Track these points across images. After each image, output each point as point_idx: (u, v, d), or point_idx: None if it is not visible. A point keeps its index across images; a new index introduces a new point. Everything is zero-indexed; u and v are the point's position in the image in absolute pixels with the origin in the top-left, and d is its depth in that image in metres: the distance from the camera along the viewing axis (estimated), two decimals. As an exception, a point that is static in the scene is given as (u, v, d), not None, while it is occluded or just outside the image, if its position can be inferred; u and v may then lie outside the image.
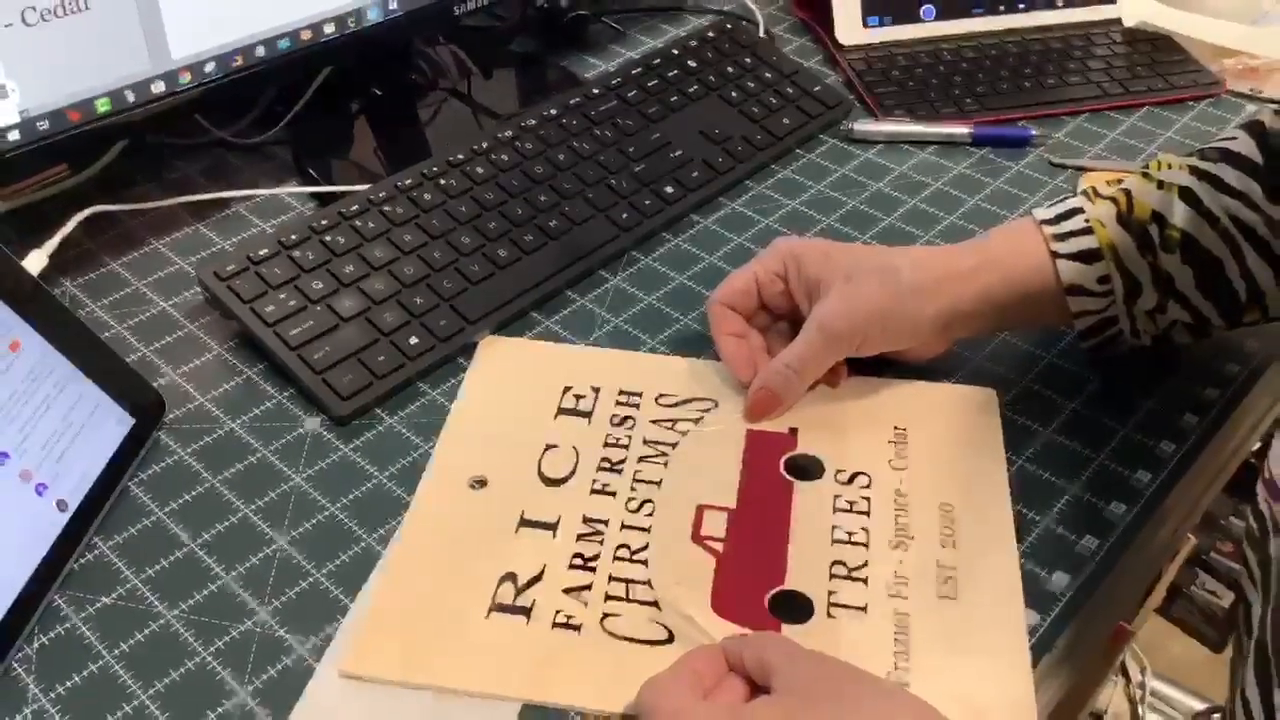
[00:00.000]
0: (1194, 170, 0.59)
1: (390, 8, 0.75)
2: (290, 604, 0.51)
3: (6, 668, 0.48)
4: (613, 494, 0.56)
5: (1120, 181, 0.61)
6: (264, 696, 0.48)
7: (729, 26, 0.89)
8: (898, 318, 0.58)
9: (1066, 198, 0.61)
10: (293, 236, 0.66)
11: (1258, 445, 0.65)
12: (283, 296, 0.63)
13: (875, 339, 0.58)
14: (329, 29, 0.72)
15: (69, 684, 0.48)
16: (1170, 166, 0.60)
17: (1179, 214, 0.57)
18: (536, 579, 0.52)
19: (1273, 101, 0.87)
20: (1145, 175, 0.60)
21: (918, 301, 0.57)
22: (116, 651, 0.49)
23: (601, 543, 0.53)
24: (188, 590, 0.52)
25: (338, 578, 0.52)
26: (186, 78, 0.66)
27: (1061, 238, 0.58)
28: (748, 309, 0.62)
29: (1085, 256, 0.58)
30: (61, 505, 0.53)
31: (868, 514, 0.55)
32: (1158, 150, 0.82)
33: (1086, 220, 0.58)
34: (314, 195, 0.76)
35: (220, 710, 0.47)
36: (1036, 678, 0.49)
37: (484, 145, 0.75)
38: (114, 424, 0.56)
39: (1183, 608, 1.35)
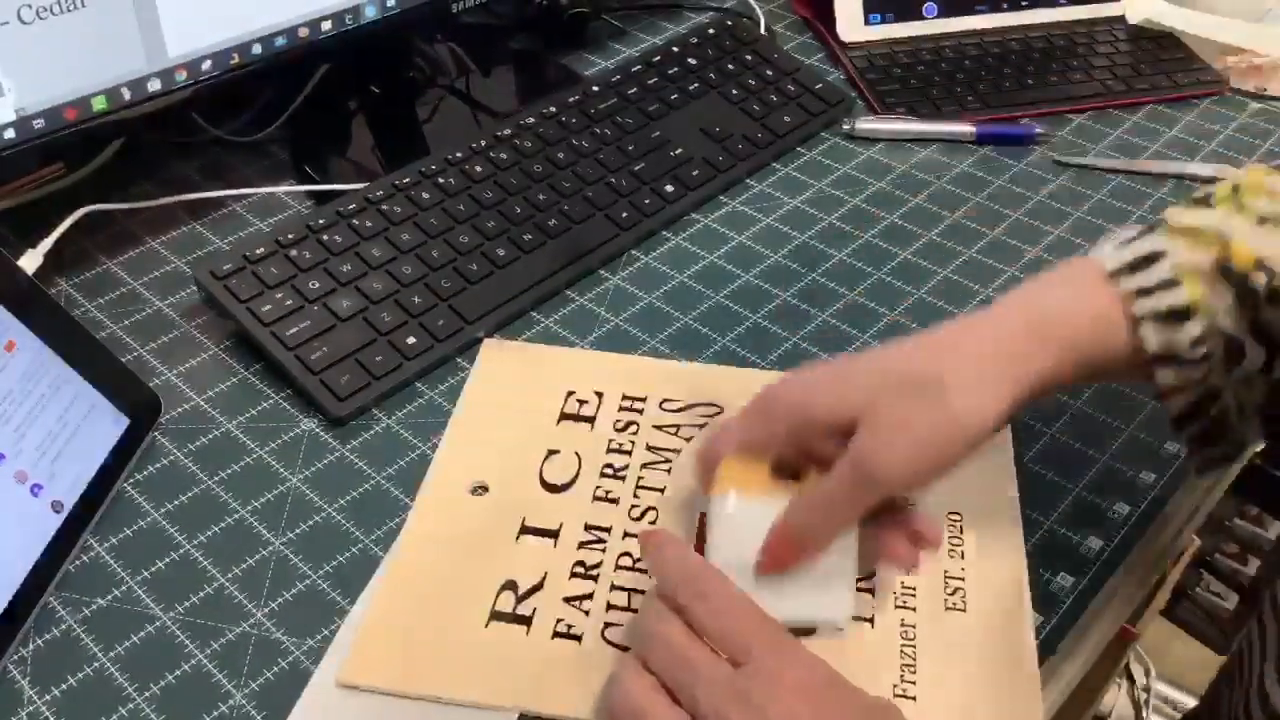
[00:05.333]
0: None
1: (388, 5, 0.74)
2: (287, 606, 0.51)
3: (2, 670, 0.48)
4: (615, 501, 0.55)
5: (1204, 199, 0.49)
6: (260, 700, 0.47)
7: (729, 24, 0.89)
8: (956, 444, 0.45)
9: (1141, 232, 0.48)
10: (290, 235, 0.66)
11: (1262, 446, 0.65)
12: (280, 296, 0.63)
13: (928, 473, 0.46)
14: (326, 26, 0.71)
15: (64, 686, 0.48)
16: (1271, 195, 0.47)
17: None
18: (537, 587, 0.51)
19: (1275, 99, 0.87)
20: (1239, 206, 0.48)
21: (978, 419, 0.45)
22: (112, 654, 0.49)
23: (604, 551, 0.53)
24: (184, 592, 0.51)
25: (335, 579, 0.52)
26: (183, 76, 0.66)
27: (1144, 293, 0.46)
28: None
29: (1173, 316, 0.46)
30: (57, 506, 0.52)
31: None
32: (1162, 149, 0.82)
33: (1173, 271, 0.46)
34: (311, 194, 0.76)
35: (216, 713, 0.47)
36: (1040, 679, 0.48)
37: (482, 143, 0.74)
38: (110, 424, 0.56)
39: (1187, 610, 1.34)
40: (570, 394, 0.61)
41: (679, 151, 0.77)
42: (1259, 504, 1.25)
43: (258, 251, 0.65)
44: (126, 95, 0.64)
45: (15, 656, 0.49)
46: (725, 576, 0.43)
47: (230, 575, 0.52)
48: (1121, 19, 0.94)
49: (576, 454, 0.57)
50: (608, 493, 0.56)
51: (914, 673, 0.48)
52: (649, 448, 0.58)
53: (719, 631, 0.41)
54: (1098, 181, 0.79)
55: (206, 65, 0.67)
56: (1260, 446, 0.63)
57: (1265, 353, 0.47)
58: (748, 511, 0.46)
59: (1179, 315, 0.46)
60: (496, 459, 0.57)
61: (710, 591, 0.42)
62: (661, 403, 0.60)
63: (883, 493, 0.46)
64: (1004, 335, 0.47)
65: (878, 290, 0.69)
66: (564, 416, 0.60)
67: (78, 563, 0.52)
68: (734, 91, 0.82)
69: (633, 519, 0.54)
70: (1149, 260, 0.47)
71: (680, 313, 0.67)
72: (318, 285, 0.64)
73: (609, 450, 0.58)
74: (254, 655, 0.49)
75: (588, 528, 0.54)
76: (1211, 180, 0.50)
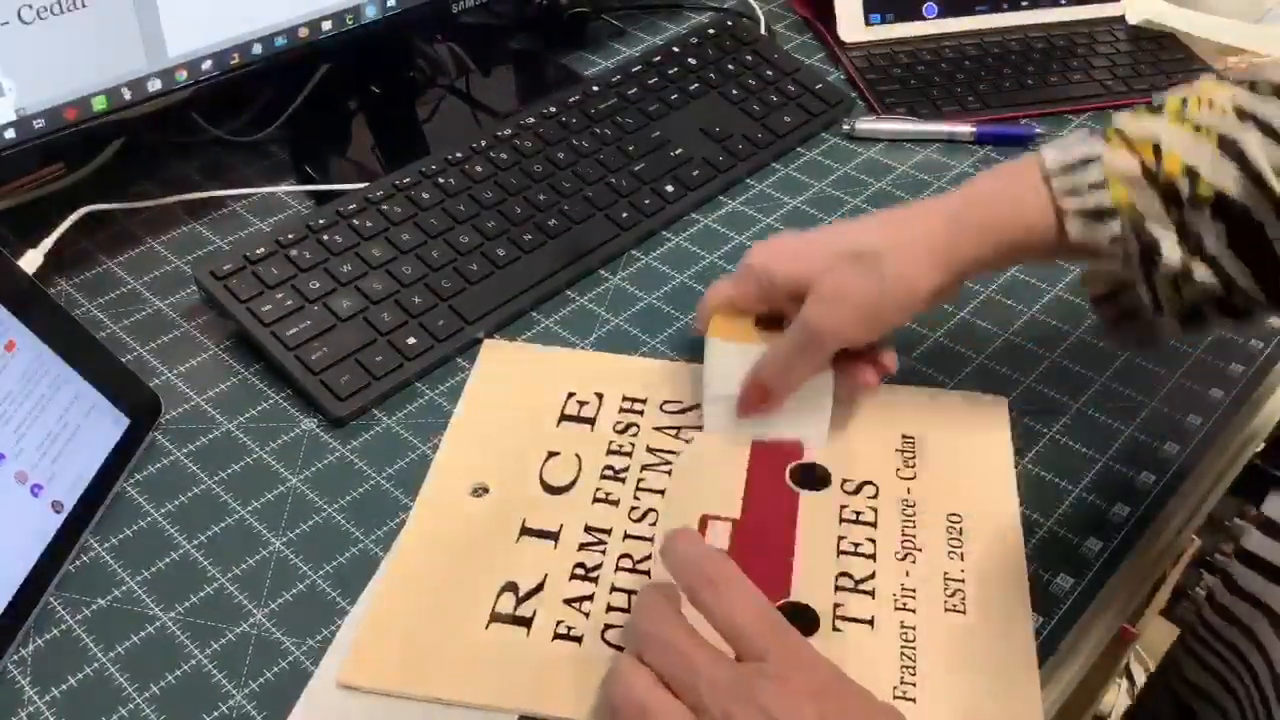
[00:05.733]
0: (1240, 112, 0.50)
1: (388, 5, 0.74)
2: (287, 606, 0.51)
3: (2, 670, 0.48)
4: (615, 503, 0.55)
5: (1158, 108, 0.52)
6: (260, 700, 0.47)
7: (729, 23, 0.89)
8: (888, 308, 0.54)
9: (1085, 138, 0.53)
10: (290, 235, 0.66)
11: (1262, 446, 0.65)
12: (280, 296, 0.63)
13: (865, 332, 0.55)
14: (326, 26, 0.71)
15: (64, 686, 0.48)
16: (1211, 104, 0.51)
17: (1215, 168, 0.49)
18: (537, 589, 0.51)
19: None
20: (1180, 118, 0.51)
21: (906, 287, 0.53)
22: (112, 654, 0.49)
23: (604, 553, 0.53)
24: (184, 592, 0.51)
25: (335, 580, 0.52)
26: (183, 76, 0.66)
27: (1073, 192, 0.51)
28: None
29: (1098, 215, 0.51)
30: (57, 506, 0.52)
31: (874, 525, 0.54)
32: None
33: (1104, 173, 0.51)
34: (311, 194, 0.76)
35: (216, 713, 0.47)
36: (1040, 680, 0.48)
37: (483, 143, 0.74)
38: (110, 424, 0.56)
39: (1187, 610, 1.34)
40: (570, 395, 0.61)
41: (679, 151, 0.77)
42: (1259, 504, 1.25)
43: (258, 251, 0.65)
44: (126, 95, 0.64)
45: (15, 656, 0.49)
46: (734, 566, 0.43)
47: (230, 575, 0.52)
48: (1121, 19, 0.94)
49: (577, 455, 0.57)
50: (608, 494, 0.56)
51: (914, 674, 0.48)
52: (649, 449, 0.58)
53: (729, 622, 0.41)
54: (1098, 182, 0.79)
55: (206, 65, 0.67)
56: (1261, 447, 0.64)
57: (1182, 257, 0.50)
58: (730, 353, 0.57)
59: (1102, 214, 0.51)
60: (496, 460, 0.57)
61: (721, 580, 0.42)
62: (662, 404, 0.60)
63: (829, 348, 0.55)
64: (941, 220, 0.54)
65: (878, 290, 0.69)
66: (564, 417, 0.60)
67: (78, 563, 0.52)
68: (734, 91, 0.82)
69: (633, 520, 0.54)
70: (1085, 163, 0.51)
71: (680, 313, 0.67)
72: (318, 285, 0.64)
73: (609, 452, 0.58)
74: (254, 655, 0.49)
75: (588, 529, 0.54)
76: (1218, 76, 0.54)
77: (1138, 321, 0.55)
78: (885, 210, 0.57)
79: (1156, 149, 0.51)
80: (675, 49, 0.85)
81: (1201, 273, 0.50)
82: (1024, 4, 0.94)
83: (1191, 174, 0.50)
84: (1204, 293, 0.51)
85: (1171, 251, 0.50)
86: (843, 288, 0.54)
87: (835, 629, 0.49)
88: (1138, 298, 0.53)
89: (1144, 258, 0.51)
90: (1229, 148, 0.49)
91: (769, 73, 0.85)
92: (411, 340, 0.62)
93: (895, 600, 0.51)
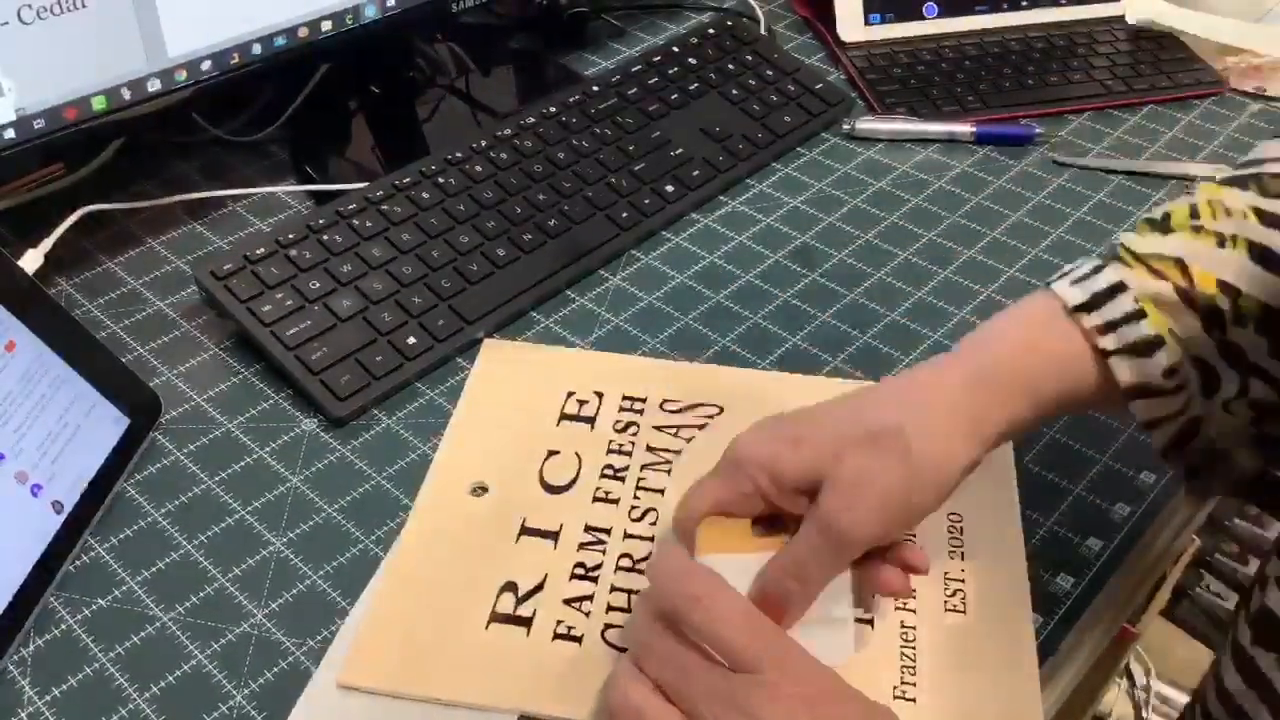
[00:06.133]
0: (1261, 214, 0.46)
1: (388, 5, 0.74)
2: (287, 606, 0.51)
3: (2, 670, 0.48)
4: (615, 502, 0.55)
5: (1162, 223, 0.48)
6: (260, 700, 0.47)
7: (730, 24, 0.89)
8: (920, 495, 0.45)
9: (1097, 266, 0.47)
10: (290, 235, 0.66)
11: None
12: (280, 296, 0.63)
13: (896, 526, 0.45)
14: (326, 26, 0.71)
15: (64, 686, 0.48)
16: (1228, 213, 0.47)
17: (1253, 280, 0.45)
18: (537, 589, 0.51)
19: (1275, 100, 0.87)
20: (1196, 229, 0.47)
21: (936, 467, 0.45)
22: (112, 654, 0.49)
23: (604, 552, 0.53)
24: (184, 592, 0.51)
25: (335, 580, 0.52)
26: (183, 76, 0.66)
27: (1109, 328, 0.46)
28: None
29: (1143, 349, 0.45)
30: (57, 506, 0.52)
31: None
32: (1161, 149, 0.82)
33: (1137, 302, 0.46)
34: (311, 194, 0.76)
35: (216, 713, 0.47)
36: (1040, 680, 0.48)
37: (482, 143, 0.74)
38: (110, 424, 0.56)
39: (1187, 610, 1.34)
40: (570, 394, 0.61)
41: (679, 151, 0.77)
42: (1259, 504, 1.25)
43: (258, 251, 0.65)
44: (126, 95, 0.64)
45: (15, 656, 0.49)
46: (722, 580, 0.43)
47: (230, 575, 0.52)
48: (1121, 19, 0.94)
49: (576, 455, 0.57)
50: (608, 494, 0.56)
51: (914, 674, 0.48)
52: (649, 448, 0.58)
53: (717, 638, 0.41)
54: (1097, 182, 0.79)
55: (206, 65, 0.67)
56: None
57: (1238, 377, 0.46)
58: (732, 570, 0.44)
59: (1148, 346, 0.45)
60: (496, 459, 0.57)
61: (705, 595, 0.42)
62: (661, 403, 0.60)
63: (853, 551, 0.45)
64: (964, 383, 0.46)
65: (877, 291, 0.69)
66: (564, 417, 0.60)
67: (78, 563, 0.52)
68: (734, 91, 0.82)
69: (633, 520, 0.54)
70: (1111, 293, 0.46)
71: (680, 313, 0.67)
72: (318, 285, 0.64)
73: (609, 451, 0.58)
74: (254, 655, 0.49)
75: (588, 529, 0.54)
76: (1211, 179, 0.50)
77: (1215, 462, 0.48)
78: (893, 379, 0.49)
79: (1182, 266, 0.46)
80: (675, 49, 0.85)
81: (1259, 389, 0.46)
82: (1024, 4, 0.93)
83: (1229, 289, 0.45)
84: (1261, 409, 0.47)
85: (1228, 373, 0.46)
86: (864, 476, 0.44)
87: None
88: (1210, 434, 0.47)
89: (1206, 386, 0.46)
90: (1264, 256, 0.45)
91: (769, 73, 0.85)
92: (411, 340, 0.62)
93: (895, 600, 0.51)
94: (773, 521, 0.47)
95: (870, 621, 0.50)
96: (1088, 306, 0.46)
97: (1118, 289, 0.46)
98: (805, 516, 0.45)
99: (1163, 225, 0.48)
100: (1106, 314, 0.46)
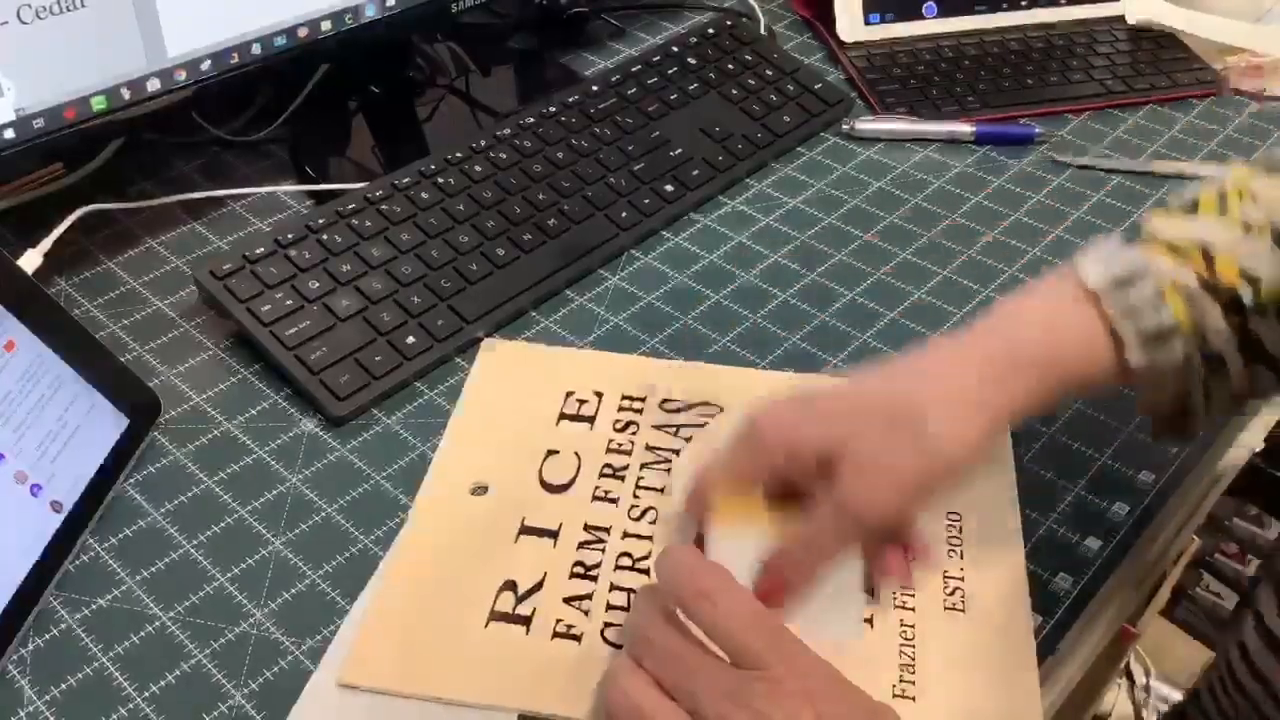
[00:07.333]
0: None
1: (388, 4, 0.74)
2: (287, 606, 0.51)
3: (2, 670, 0.48)
4: (615, 501, 0.55)
5: (1191, 206, 0.48)
6: (260, 700, 0.47)
7: (729, 23, 0.89)
8: (938, 475, 0.45)
9: (1123, 246, 0.47)
10: (289, 235, 0.66)
11: (1262, 446, 0.65)
12: (279, 296, 0.63)
13: (913, 507, 0.46)
14: (326, 26, 0.71)
15: (64, 686, 0.48)
16: (1256, 199, 0.47)
17: (1276, 268, 0.45)
18: (537, 587, 0.51)
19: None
20: (1223, 215, 0.47)
21: (955, 447, 0.45)
22: (112, 654, 0.49)
23: (603, 551, 0.53)
24: (183, 592, 0.51)
25: (335, 580, 0.52)
26: (183, 75, 0.66)
27: (1130, 313, 0.46)
28: None
29: (1160, 337, 0.46)
30: (56, 506, 0.52)
31: None
32: (1162, 149, 0.82)
33: (1158, 289, 0.46)
34: (311, 194, 0.76)
35: (216, 713, 0.47)
36: (1040, 680, 0.48)
37: (482, 143, 0.74)
38: (109, 424, 0.56)
39: (1187, 610, 1.34)
40: (570, 394, 0.61)
41: (679, 151, 0.77)
42: (1259, 504, 1.25)
43: (257, 251, 0.65)
44: (126, 95, 0.64)
45: (15, 656, 0.49)
46: (729, 575, 0.43)
47: (230, 575, 0.52)
48: (1121, 19, 0.94)
49: (576, 454, 0.57)
50: (607, 493, 0.56)
51: (913, 673, 0.48)
52: (648, 448, 0.58)
53: (724, 633, 0.41)
54: (1097, 181, 0.79)
55: (206, 65, 0.67)
56: (1260, 447, 0.64)
57: (1244, 365, 0.47)
58: (744, 543, 0.45)
59: (1167, 334, 0.46)
60: (496, 459, 0.57)
61: (714, 591, 0.42)
62: (661, 403, 0.60)
63: (869, 531, 0.45)
64: (982, 361, 0.46)
65: (878, 290, 0.69)
66: (563, 416, 0.60)
67: (77, 563, 0.52)
68: (734, 91, 0.82)
69: (632, 519, 0.54)
70: (1133, 278, 0.46)
71: (680, 313, 0.67)
72: (317, 285, 0.64)
73: (608, 450, 0.58)
74: (254, 655, 0.49)
75: (587, 528, 0.54)
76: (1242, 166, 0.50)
77: (1189, 421, 0.50)
78: (908, 356, 0.48)
79: (1206, 254, 0.46)
80: (675, 49, 0.85)
81: (1264, 378, 0.47)
82: (1024, 4, 0.93)
83: (1251, 279, 0.46)
84: (1265, 387, 0.48)
85: (1235, 364, 0.47)
86: (882, 456, 0.44)
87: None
88: (1194, 401, 0.48)
89: (1211, 374, 0.47)
90: None
91: (769, 73, 0.85)
92: (411, 340, 0.62)
93: (894, 598, 0.51)
94: (785, 497, 0.47)
95: (870, 620, 0.50)
96: (1109, 288, 0.46)
97: (1140, 274, 0.46)
98: (820, 493, 0.45)
99: (1190, 208, 0.48)
100: (1129, 299, 0.46)
